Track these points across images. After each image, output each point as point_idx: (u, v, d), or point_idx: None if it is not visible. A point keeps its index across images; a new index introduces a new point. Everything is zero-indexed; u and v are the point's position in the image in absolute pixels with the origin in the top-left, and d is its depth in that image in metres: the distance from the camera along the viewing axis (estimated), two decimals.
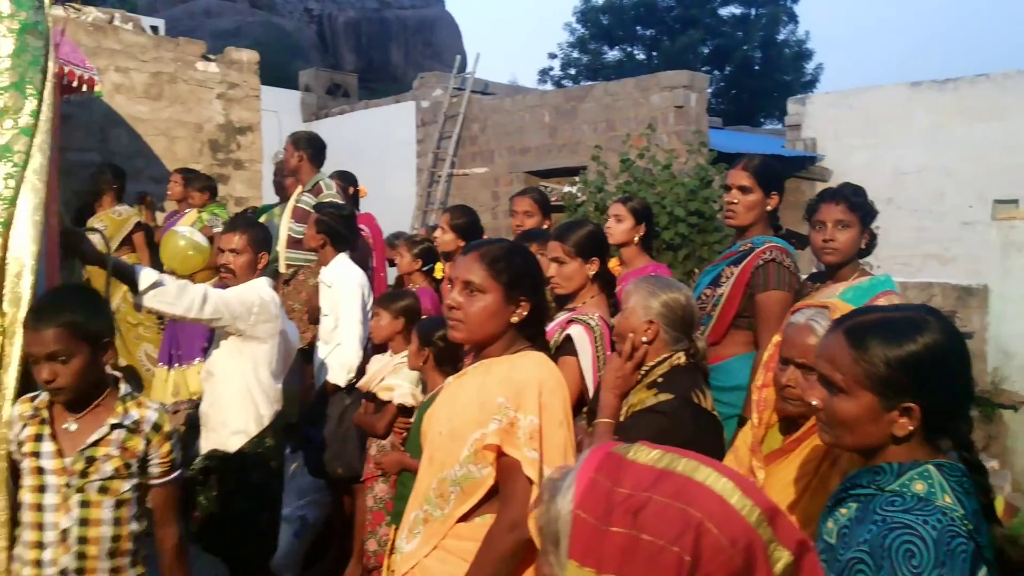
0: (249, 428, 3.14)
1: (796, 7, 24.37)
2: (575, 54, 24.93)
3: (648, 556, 0.95)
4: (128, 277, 2.83)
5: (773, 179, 3.09)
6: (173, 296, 2.88)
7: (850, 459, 1.77)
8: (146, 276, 2.81)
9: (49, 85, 2.26)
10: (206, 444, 3.21)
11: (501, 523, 1.88)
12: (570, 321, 2.85)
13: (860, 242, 2.83)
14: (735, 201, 3.10)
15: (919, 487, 1.33)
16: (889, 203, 10.44)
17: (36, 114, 2.22)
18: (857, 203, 2.81)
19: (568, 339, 2.79)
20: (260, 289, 3.19)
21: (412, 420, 3.36)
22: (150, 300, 2.82)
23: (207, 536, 3.09)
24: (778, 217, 3.20)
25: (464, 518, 1.96)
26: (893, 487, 1.35)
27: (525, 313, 2.03)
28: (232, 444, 3.14)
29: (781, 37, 23.82)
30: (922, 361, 1.35)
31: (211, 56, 8.31)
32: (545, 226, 4.04)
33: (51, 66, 2.27)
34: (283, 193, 5.62)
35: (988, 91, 10.03)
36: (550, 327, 2.98)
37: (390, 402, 3.42)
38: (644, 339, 2.40)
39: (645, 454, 1.03)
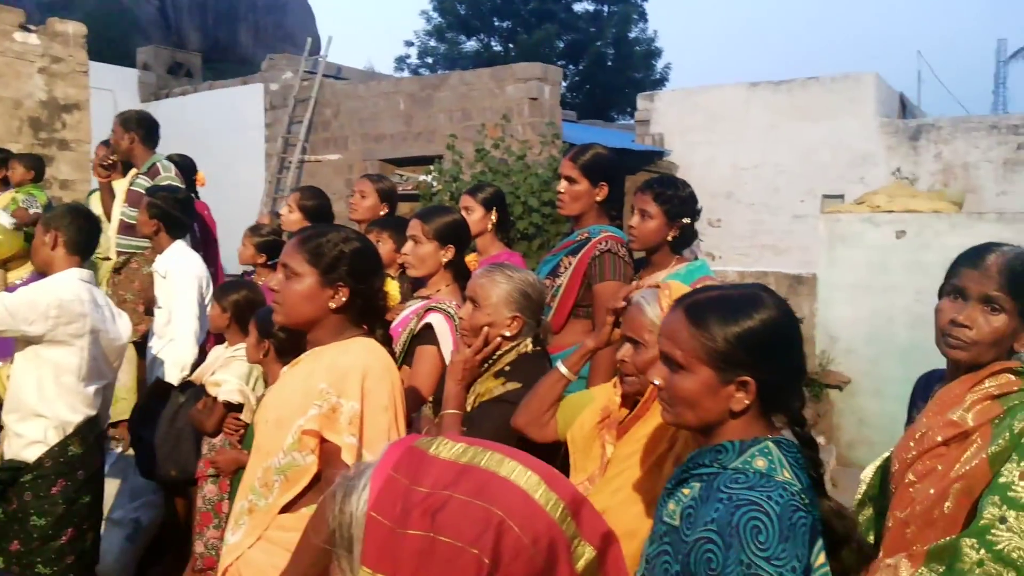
0: (48, 437, 2.87)
1: (646, 5, 25.24)
2: (432, 43, 24.75)
3: (445, 559, 0.90)
4: None
5: (600, 170, 3.14)
6: None
7: (685, 444, 1.81)
8: None
9: None
10: (6, 453, 2.92)
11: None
12: (428, 309, 2.79)
13: (666, 233, 2.91)
14: (562, 191, 3.17)
15: (760, 463, 1.35)
16: (729, 197, 11.01)
17: None
18: (662, 195, 2.90)
19: (427, 327, 2.74)
20: (59, 288, 2.91)
21: (242, 416, 3.21)
22: None
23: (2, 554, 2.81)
24: (613, 207, 3.26)
25: (289, 507, 1.93)
26: (736, 464, 1.37)
27: (344, 299, 2.01)
28: (29, 455, 2.87)
29: (632, 35, 24.58)
30: (757, 335, 1.38)
31: (31, 27, 7.61)
32: (382, 213, 3.95)
33: None
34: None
35: (818, 93, 10.72)
36: (406, 313, 2.92)
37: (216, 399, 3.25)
38: (507, 333, 2.38)
39: (448, 448, 0.98)
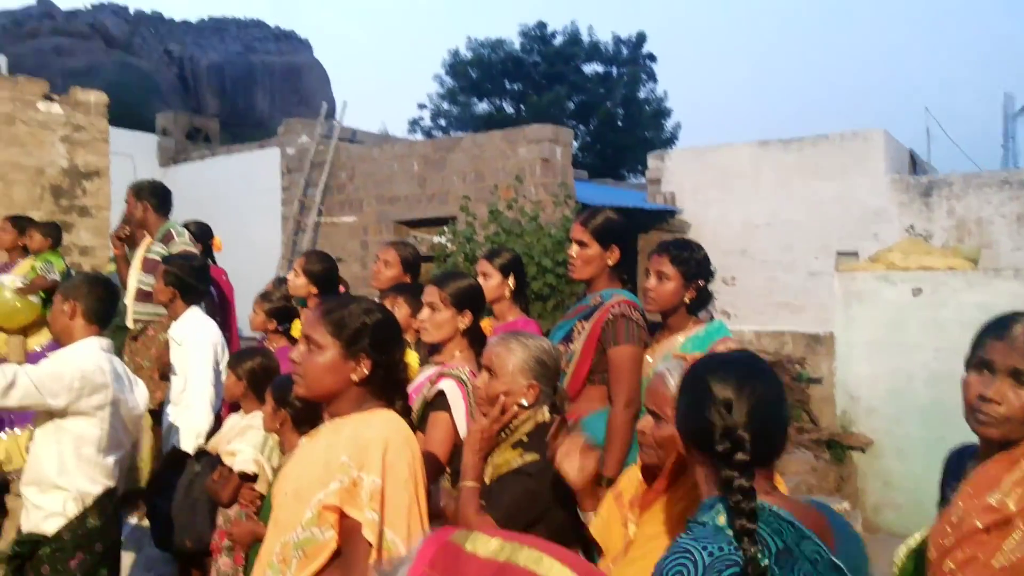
0: (68, 510, 2.85)
1: (655, 66, 25.69)
2: (445, 105, 25.21)
3: None
4: None
5: (610, 233, 3.15)
6: None
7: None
8: None
9: None
10: (24, 526, 2.89)
11: None
12: (440, 375, 2.78)
13: (683, 295, 2.91)
14: (573, 255, 3.17)
15: (721, 519, 1.36)
16: (743, 255, 11.00)
17: None
18: (678, 257, 2.90)
19: (440, 394, 2.72)
20: (83, 359, 2.91)
21: (257, 486, 3.17)
22: None
23: None
24: (623, 271, 3.26)
25: None
26: (704, 518, 1.39)
27: (366, 371, 2.00)
28: (48, 527, 2.83)
29: (642, 95, 24.96)
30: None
31: (54, 96, 7.80)
32: (405, 281, 3.96)
33: None
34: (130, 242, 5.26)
35: (828, 151, 10.78)
36: (419, 380, 2.90)
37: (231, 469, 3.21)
38: (524, 402, 2.36)
39: (484, 544, 0.95)
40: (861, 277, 7.27)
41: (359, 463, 1.88)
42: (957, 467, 1.81)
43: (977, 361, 1.72)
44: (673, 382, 1.96)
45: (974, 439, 1.77)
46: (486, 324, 3.34)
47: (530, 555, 0.94)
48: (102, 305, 3.08)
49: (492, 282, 3.51)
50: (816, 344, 7.21)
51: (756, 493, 1.36)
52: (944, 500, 1.80)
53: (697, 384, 1.48)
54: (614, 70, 25.23)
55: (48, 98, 7.74)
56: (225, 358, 4.03)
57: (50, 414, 2.85)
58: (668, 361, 2.09)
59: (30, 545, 2.83)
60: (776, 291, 10.79)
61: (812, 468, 6.47)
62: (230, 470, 3.24)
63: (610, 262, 3.15)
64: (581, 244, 3.14)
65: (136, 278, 4.92)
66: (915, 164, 11.94)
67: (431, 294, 2.94)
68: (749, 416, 1.41)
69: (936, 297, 6.81)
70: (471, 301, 2.97)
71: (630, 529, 2.01)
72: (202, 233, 5.43)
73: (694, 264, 2.93)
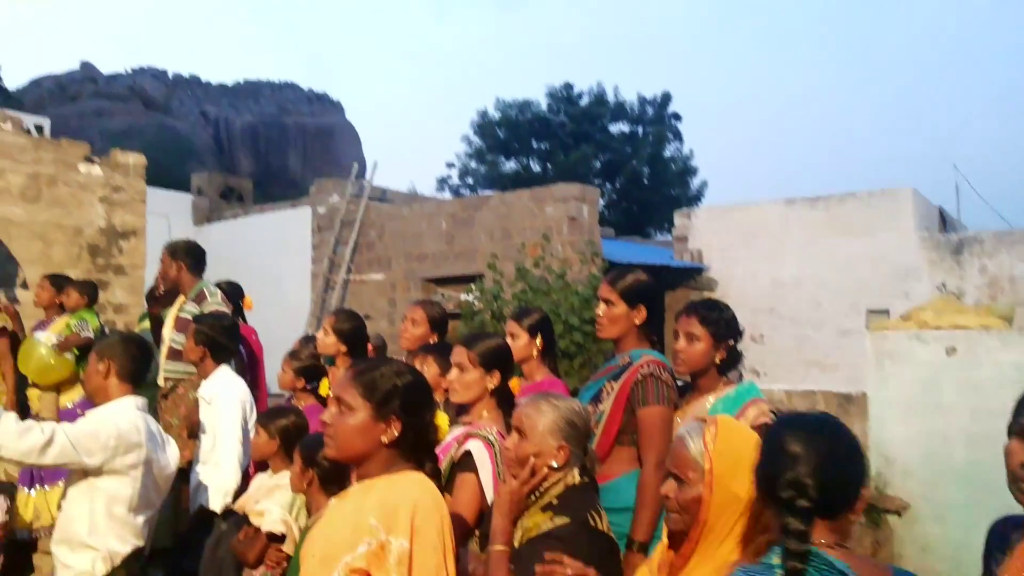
0: (97, 570, 2.85)
1: (680, 125, 25.96)
2: (472, 164, 25.59)
3: None
4: None
5: (637, 293, 3.15)
6: (12, 437, 2.64)
7: None
8: None
9: None
10: None
11: None
12: (468, 436, 2.77)
13: (713, 356, 2.89)
14: (600, 314, 3.18)
15: (776, 559, 1.56)
16: (771, 312, 10.92)
17: None
18: (708, 318, 2.89)
19: (467, 455, 2.71)
20: (119, 418, 2.95)
21: (284, 547, 3.15)
22: None
23: None
24: (652, 331, 3.25)
25: None
26: (764, 560, 1.60)
27: (396, 433, 2.02)
28: None
29: (668, 153, 25.19)
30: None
31: (95, 158, 8.05)
32: (432, 340, 3.97)
33: None
34: (157, 303, 5.37)
35: (855, 208, 10.76)
36: (447, 440, 2.89)
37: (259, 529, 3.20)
38: (555, 464, 2.34)
39: None
40: (893, 336, 7.17)
41: (387, 526, 1.88)
42: (1001, 539, 1.77)
43: (1020, 428, 1.69)
44: (694, 445, 1.95)
45: (1015, 505, 1.73)
46: (514, 384, 3.34)
47: None
48: (136, 364, 3.13)
49: (520, 342, 3.51)
50: (848, 404, 7.08)
51: (810, 537, 1.52)
52: (988, 573, 1.75)
53: (773, 437, 1.66)
54: (640, 129, 25.52)
55: (89, 160, 7.99)
56: (253, 417, 4.05)
57: (84, 472, 2.87)
58: (688, 424, 2.08)
59: None
60: (806, 349, 10.67)
61: None
62: (257, 530, 3.23)
63: (637, 321, 3.15)
64: (608, 303, 3.15)
65: (168, 336, 4.99)
66: (944, 221, 11.87)
67: (459, 355, 2.94)
68: (815, 468, 1.56)
69: (971, 357, 6.68)
70: (499, 361, 2.96)
71: None
72: (233, 292, 5.52)
73: (723, 325, 2.92)
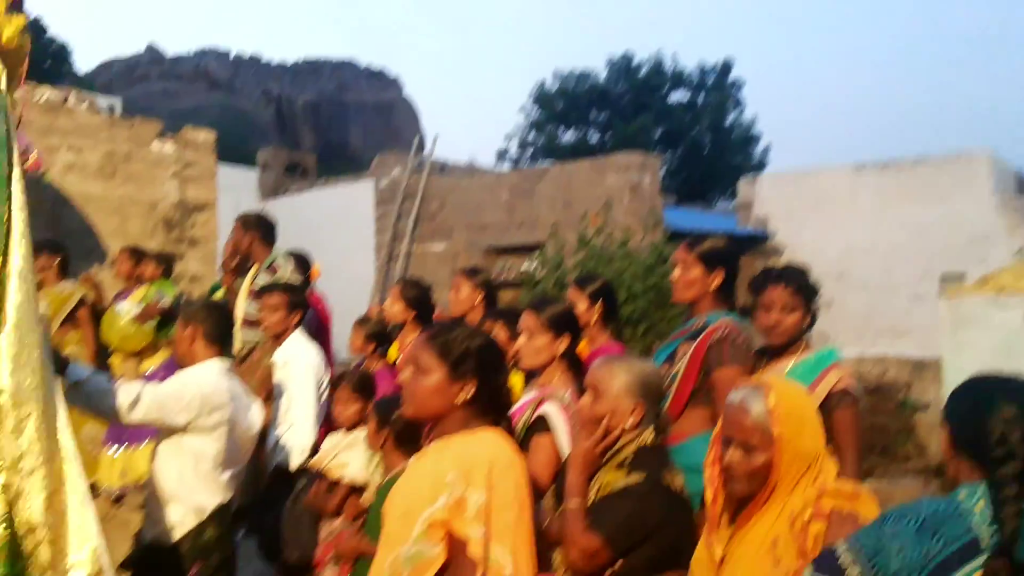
0: (186, 522, 2.99)
1: (743, 92, 25.39)
2: (531, 135, 25.50)
3: None
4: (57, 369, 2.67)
5: (714, 258, 3.12)
6: (100, 396, 2.76)
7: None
8: (72, 371, 2.64)
9: (17, 169, 2.12)
10: (147, 536, 3.04)
11: None
12: (542, 399, 2.79)
13: (805, 322, 2.87)
14: (675, 278, 3.17)
15: (979, 506, 1.66)
16: (840, 278, 10.67)
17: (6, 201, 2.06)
18: (803, 286, 2.87)
19: (541, 418, 2.74)
20: (203, 379, 3.06)
21: (362, 499, 3.24)
22: (73, 398, 2.62)
23: None
24: (732, 294, 3.22)
25: None
26: (952, 497, 1.71)
27: (471, 393, 2.06)
28: (168, 538, 2.97)
29: (729, 122, 24.70)
30: None
31: (166, 136, 8.29)
32: (479, 300, 4.06)
33: (15, 147, 2.15)
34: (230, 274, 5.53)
35: (927, 174, 10.41)
36: (519, 404, 2.92)
37: (340, 481, 3.29)
38: (628, 423, 2.36)
39: None
40: (969, 301, 6.95)
41: (465, 480, 1.92)
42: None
43: None
44: (756, 410, 1.96)
45: None
46: (583, 346, 3.34)
47: None
48: (220, 328, 3.24)
49: (579, 308, 3.50)
50: (922, 370, 6.92)
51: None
52: None
53: (983, 395, 1.70)
54: (700, 98, 25.06)
55: (161, 137, 8.23)
56: (326, 379, 4.17)
57: (172, 431, 3.00)
58: (740, 390, 2.07)
59: (151, 555, 2.97)
60: (876, 315, 10.41)
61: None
62: (332, 484, 3.32)
63: (714, 285, 3.12)
64: (684, 266, 3.14)
65: (243, 305, 5.13)
66: (1023, 185, 11.42)
67: (527, 320, 2.94)
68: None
69: None
70: (568, 325, 2.97)
71: (717, 552, 2.02)
72: (302, 262, 5.64)
73: (813, 291, 2.90)
